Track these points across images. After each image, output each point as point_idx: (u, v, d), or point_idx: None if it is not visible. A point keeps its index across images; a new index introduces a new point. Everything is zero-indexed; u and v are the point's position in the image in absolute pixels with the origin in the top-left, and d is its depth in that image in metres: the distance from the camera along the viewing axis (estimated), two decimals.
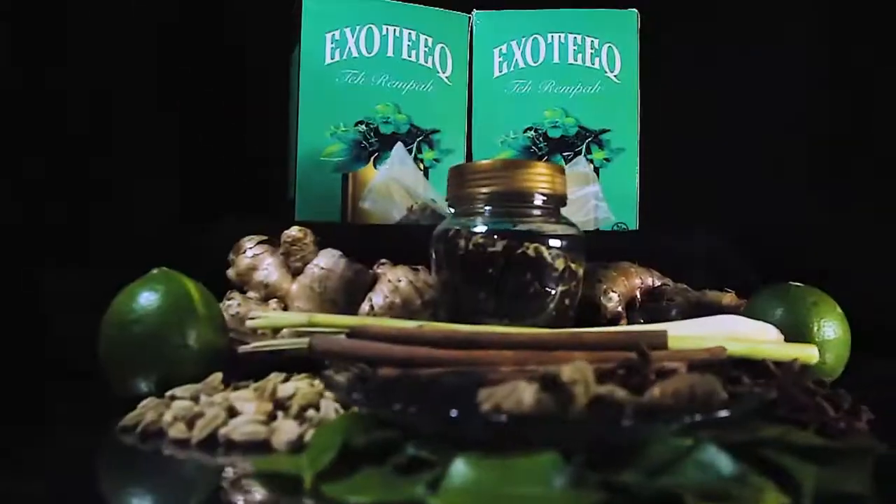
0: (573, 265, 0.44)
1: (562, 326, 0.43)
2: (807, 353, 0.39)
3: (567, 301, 0.44)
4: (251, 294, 0.47)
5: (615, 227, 0.60)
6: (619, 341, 0.38)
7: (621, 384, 0.30)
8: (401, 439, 0.26)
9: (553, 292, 0.43)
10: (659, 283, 0.52)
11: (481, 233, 0.43)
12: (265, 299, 0.47)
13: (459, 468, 0.23)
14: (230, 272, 0.48)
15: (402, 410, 0.26)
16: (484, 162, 0.46)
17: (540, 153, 0.61)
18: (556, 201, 0.45)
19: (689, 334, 0.40)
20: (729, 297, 0.51)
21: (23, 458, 0.29)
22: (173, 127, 0.60)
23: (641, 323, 0.49)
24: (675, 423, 0.25)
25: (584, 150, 0.61)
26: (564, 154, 0.61)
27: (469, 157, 0.61)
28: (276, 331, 0.44)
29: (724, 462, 0.23)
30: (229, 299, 0.45)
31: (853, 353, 0.50)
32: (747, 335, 0.41)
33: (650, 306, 0.51)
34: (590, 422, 0.24)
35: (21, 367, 0.43)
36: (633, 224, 0.61)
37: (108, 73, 0.58)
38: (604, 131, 0.61)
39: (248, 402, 0.32)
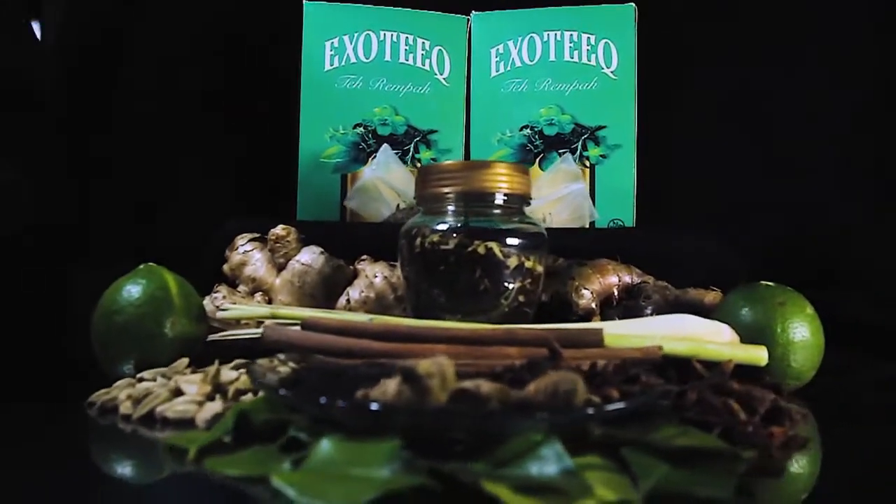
0: (528, 263, 0.45)
1: (518, 323, 0.44)
2: (754, 355, 0.39)
3: (522, 298, 0.45)
4: (241, 288, 0.51)
5: (612, 224, 0.60)
6: (552, 338, 0.39)
7: (517, 380, 0.31)
8: (288, 422, 0.29)
9: (509, 289, 0.44)
10: (638, 281, 0.52)
11: (437, 231, 0.44)
12: (252, 292, 0.51)
13: (322, 449, 0.26)
14: (225, 267, 0.52)
15: (285, 395, 0.28)
16: (447, 163, 0.48)
17: (536, 151, 0.62)
18: (517, 200, 0.46)
19: (631, 333, 0.40)
20: (712, 296, 0.50)
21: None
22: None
23: (616, 320, 0.50)
24: (528, 419, 0.26)
25: (579, 147, 0.61)
26: (560, 151, 0.61)
27: (467, 155, 0.63)
28: (259, 322, 0.48)
29: (562, 458, 0.24)
30: (216, 292, 0.50)
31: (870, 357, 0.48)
32: (699, 335, 0.41)
33: (626, 304, 0.51)
34: (437, 413, 0.26)
35: (44, 354, 0.49)
36: (630, 220, 0.60)
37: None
38: (600, 128, 0.61)
39: (192, 384, 0.35)
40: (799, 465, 0.31)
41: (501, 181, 0.45)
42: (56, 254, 0.55)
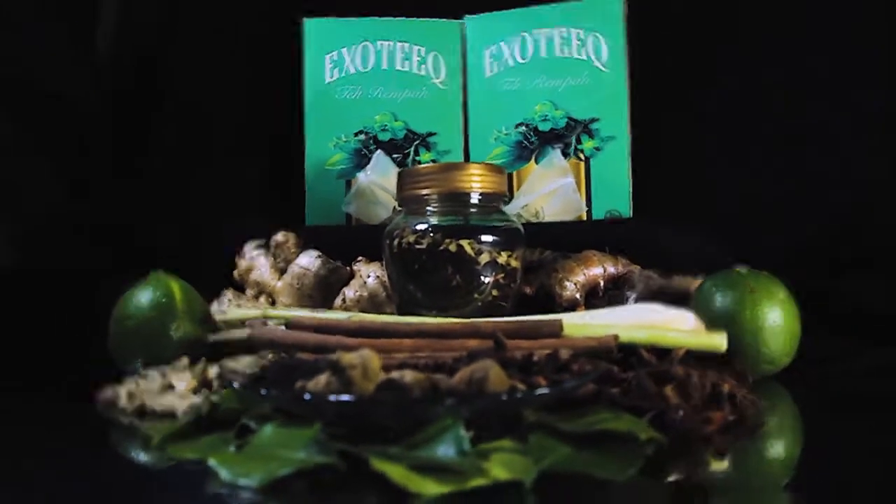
0: (501, 258, 0.46)
1: (495, 316, 0.46)
2: (713, 342, 0.39)
3: (496, 293, 0.46)
4: (248, 291, 0.55)
5: (608, 214, 0.61)
6: (512, 330, 0.41)
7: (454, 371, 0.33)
8: (243, 411, 0.32)
9: (483, 283, 0.46)
10: (624, 271, 0.52)
11: (414, 230, 0.47)
12: (258, 295, 0.55)
13: (262, 434, 0.29)
14: (234, 272, 0.57)
15: (238, 388, 0.32)
16: (424, 165, 0.50)
17: (531, 147, 0.63)
18: (493, 199, 0.48)
19: (592, 323, 0.41)
20: (697, 283, 0.50)
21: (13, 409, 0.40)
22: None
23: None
24: (438, 407, 0.28)
25: (574, 141, 0.62)
26: (555, 146, 0.62)
27: (467, 155, 0.65)
28: (263, 322, 0.52)
29: (461, 441, 0.26)
30: (223, 296, 0.54)
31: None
32: (663, 323, 0.41)
33: (611, 294, 0.51)
34: (360, 402, 0.29)
35: (72, 353, 0.55)
36: (626, 211, 0.61)
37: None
38: (593, 120, 0.61)
39: (183, 380, 0.39)
40: (745, 448, 0.32)
41: (475, 181, 0.47)
42: (89, 262, 0.61)
